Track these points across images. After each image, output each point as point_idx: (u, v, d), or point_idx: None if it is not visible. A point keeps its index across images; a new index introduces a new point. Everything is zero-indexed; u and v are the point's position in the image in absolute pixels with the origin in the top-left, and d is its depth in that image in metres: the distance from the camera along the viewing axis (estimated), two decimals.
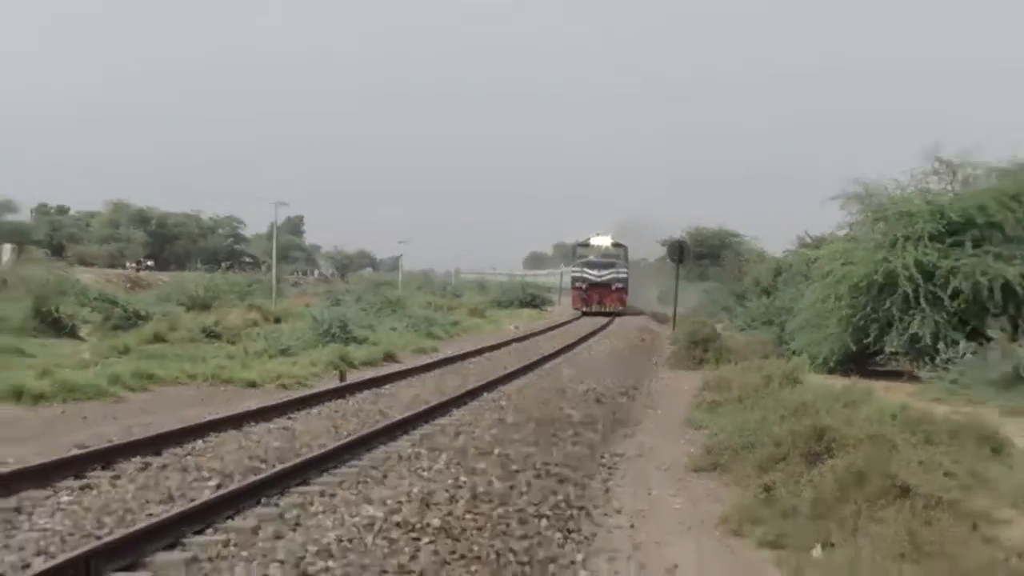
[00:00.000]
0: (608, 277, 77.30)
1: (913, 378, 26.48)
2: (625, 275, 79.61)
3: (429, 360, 31.73)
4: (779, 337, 36.58)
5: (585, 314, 71.81)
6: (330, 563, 8.14)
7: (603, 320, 67.14)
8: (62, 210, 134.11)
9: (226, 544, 9.36)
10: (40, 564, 8.19)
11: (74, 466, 12.10)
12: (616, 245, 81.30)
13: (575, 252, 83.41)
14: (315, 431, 15.75)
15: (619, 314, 71.70)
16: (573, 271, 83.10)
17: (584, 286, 78.22)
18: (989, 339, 25.73)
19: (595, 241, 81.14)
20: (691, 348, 35.75)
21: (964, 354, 25.80)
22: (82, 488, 11.36)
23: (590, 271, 77.90)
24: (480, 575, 8.59)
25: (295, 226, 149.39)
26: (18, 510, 10.26)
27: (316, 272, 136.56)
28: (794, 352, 31.65)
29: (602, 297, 76.30)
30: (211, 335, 34.40)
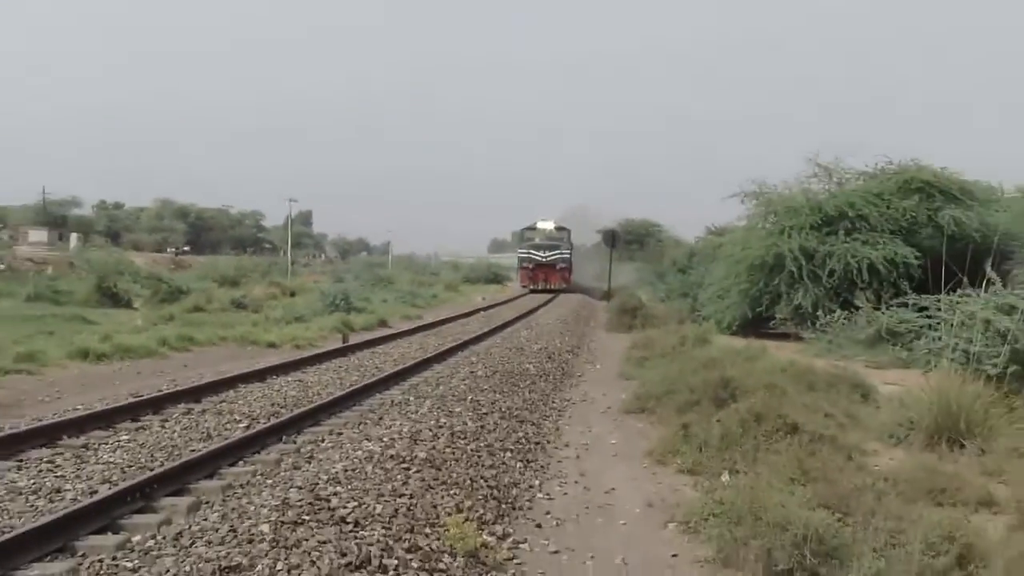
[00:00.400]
0: (553, 258, 71.88)
1: (798, 339, 26.66)
2: (568, 255, 74.05)
3: (414, 325, 31.71)
4: (692, 307, 36.79)
5: (532, 291, 67.22)
6: (338, 488, 8.09)
7: (551, 295, 62.89)
8: (117, 206, 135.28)
9: (254, 474, 9.37)
10: (105, 491, 8.13)
11: (130, 411, 12.05)
12: (559, 229, 75.97)
13: (523, 236, 77.20)
14: (324, 382, 15.73)
15: (564, 291, 67.17)
16: (520, 253, 76.77)
17: (531, 266, 72.70)
18: (857, 308, 25.92)
19: (540, 225, 75.67)
20: (622, 315, 35.84)
21: (838, 320, 26.02)
22: (137, 429, 11.31)
23: (536, 253, 72.65)
24: (458, 497, 8.56)
25: (305, 218, 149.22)
26: (86, 447, 10.21)
27: (323, 256, 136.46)
28: (704, 318, 31.89)
29: (547, 276, 71.02)
30: (239, 306, 34.59)
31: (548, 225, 71.27)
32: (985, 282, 15.84)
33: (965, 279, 17.50)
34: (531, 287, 67.80)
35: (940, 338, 14.95)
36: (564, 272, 69.10)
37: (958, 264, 23.70)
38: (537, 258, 68.61)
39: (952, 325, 14.81)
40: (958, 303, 14.93)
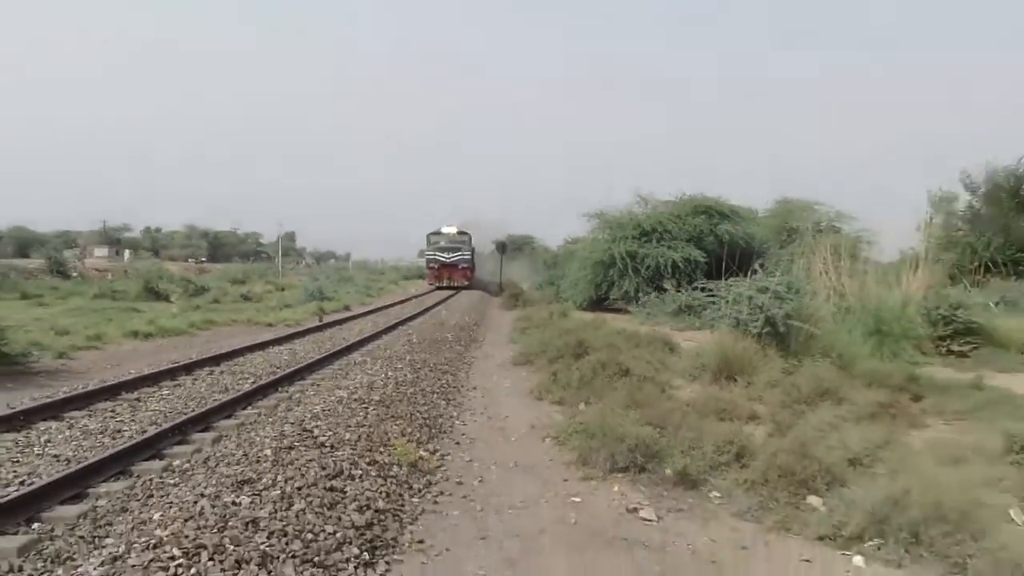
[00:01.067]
0: (455, 258, 60.43)
1: (626, 312, 27.02)
2: (469, 256, 61.81)
3: (368, 309, 31.35)
4: (556, 292, 36.98)
5: (439, 288, 57.28)
6: (318, 423, 7.99)
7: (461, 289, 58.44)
8: (158, 230, 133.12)
9: (259, 415, 9.20)
10: (152, 430, 7.91)
11: (170, 374, 11.72)
12: (461, 233, 63.09)
13: (430, 240, 64.15)
14: (307, 349, 15.44)
15: (468, 287, 57.86)
16: (427, 254, 64.53)
17: (436, 266, 60.92)
18: (665, 290, 26.44)
19: (445, 230, 62.96)
20: (510, 299, 35.90)
21: (652, 299, 26.52)
22: (175, 386, 11.00)
23: (441, 254, 60.91)
24: (402, 426, 8.51)
25: (291, 236, 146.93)
26: (138, 399, 9.89)
27: (304, 262, 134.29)
28: (564, 299, 32.13)
29: (451, 275, 59.99)
30: (245, 298, 33.99)
31: (451, 230, 61.23)
32: (749, 272, 16.27)
33: (737, 271, 18.06)
34: (437, 285, 58.11)
35: (720, 310, 15.30)
36: (466, 271, 59.40)
37: (731, 261, 24.45)
38: (442, 259, 59.33)
39: (727, 301, 15.18)
40: (731, 286, 15.30)
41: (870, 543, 5.58)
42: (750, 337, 13.24)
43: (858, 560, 5.38)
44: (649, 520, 6.04)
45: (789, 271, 17.37)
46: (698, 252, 28.21)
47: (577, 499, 6.52)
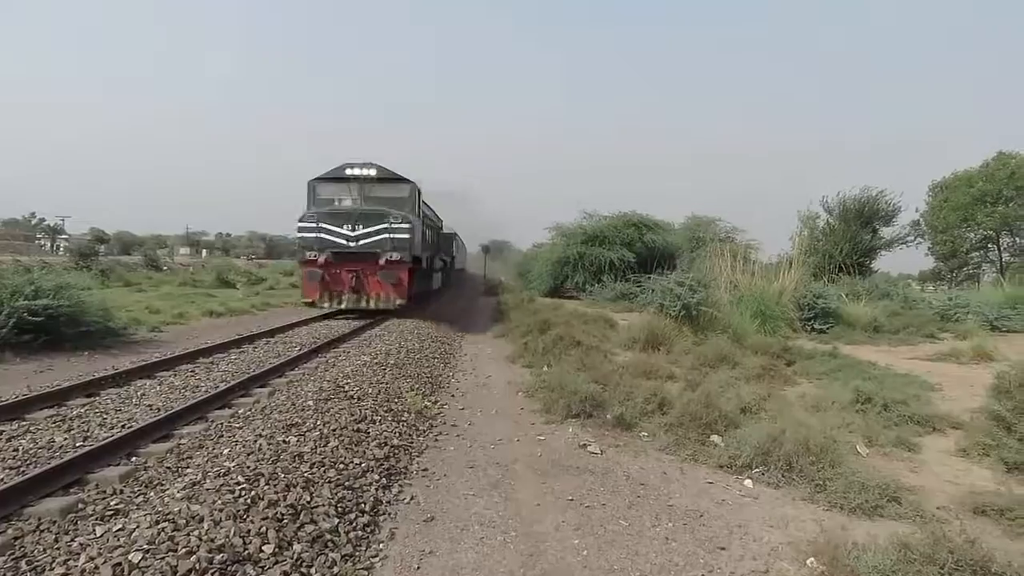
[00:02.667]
0: (369, 243, 14.92)
1: (577, 298, 27.07)
2: (407, 236, 15.14)
3: None
4: (526, 283, 36.94)
5: (326, 314, 16.25)
6: (348, 381, 7.87)
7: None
8: (228, 234, 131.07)
9: (303, 374, 8.97)
10: (223, 386, 7.73)
11: (236, 344, 11.43)
12: (393, 180, 15.98)
13: (314, 195, 15.64)
14: (339, 326, 14.98)
15: (409, 309, 16.51)
16: (303, 230, 15.15)
17: (321, 260, 14.92)
18: (604, 281, 26.52)
19: (351, 172, 15.56)
20: (491, 289, 35.82)
21: (596, 288, 26.57)
22: (240, 352, 10.73)
23: (336, 229, 14.90)
24: (411, 383, 8.43)
25: None
26: (212, 363, 9.64)
27: None
28: (532, 289, 32.11)
29: (361, 282, 15.13)
30: (294, 286, 33.48)
31: (367, 171, 15.74)
32: (667, 270, 16.34)
33: (660, 268, 18.10)
34: (322, 303, 15.58)
35: (647, 297, 15.32)
36: (401, 272, 15.30)
37: (656, 261, 24.45)
38: (338, 241, 15.03)
39: (653, 290, 15.21)
40: (656, 280, 15.33)
41: (756, 470, 5.60)
42: (670, 318, 13.29)
43: (747, 483, 5.40)
44: (595, 453, 6.01)
45: (698, 270, 17.46)
46: (630, 253, 28.33)
47: (542, 438, 6.48)
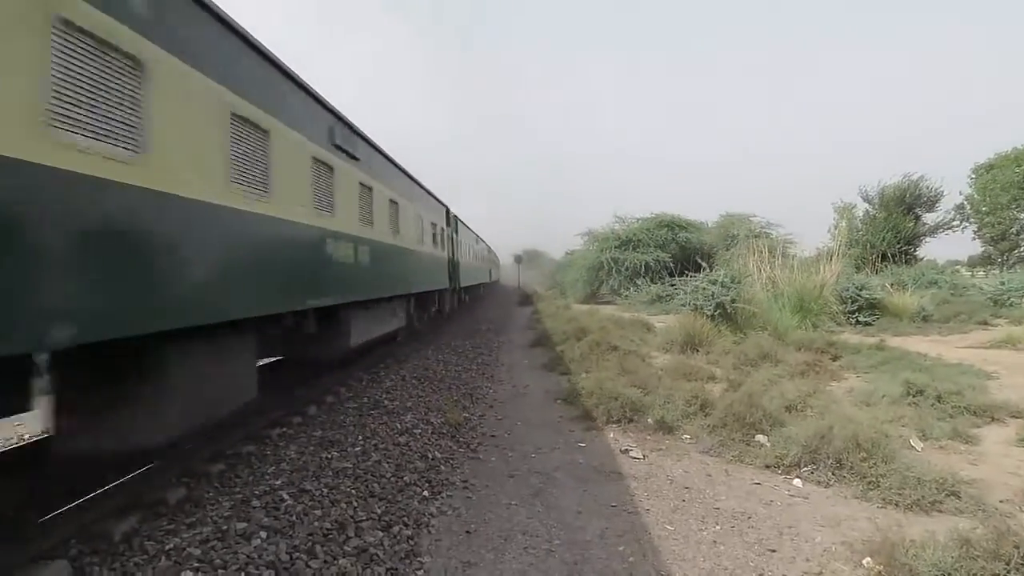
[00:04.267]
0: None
1: (613, 303, 26.91)
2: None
3: None
4: (561, 290, 36.90)
5: None
6: (387, 396, 7.94)
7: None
8: None
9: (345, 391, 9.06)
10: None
11: None
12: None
13: None
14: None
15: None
16: None
17: None
18: (639, 285, 26.31)
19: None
20: (525, 298, 35.86)
21: (632, 292, 26.37)
22: None
23: None
24: (447, 394, 8.46)
25: None
26: None
27: None
28: (566, 296, 32.04)
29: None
30: None
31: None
32: (702, 269, 16.13)
33: (694, 268, 17.91)
34: None
35: (682, 298, 15.15)
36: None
37: (690, 262, 24.21)
38: None
39: (687, 292, 15.04)
40: (690, 280, 15.16)
41: (805, 469, 5.47)
42: (706, 318, 13.11)
43: (796, 482, 5.27)
44: (637, 458, 5.95)
45: (732, 268, 17.19)
46: (664, 255, 28.14)
47: (582, 444, 6.43)
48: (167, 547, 3.71)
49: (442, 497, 5.00)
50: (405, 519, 4.42)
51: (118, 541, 3.86)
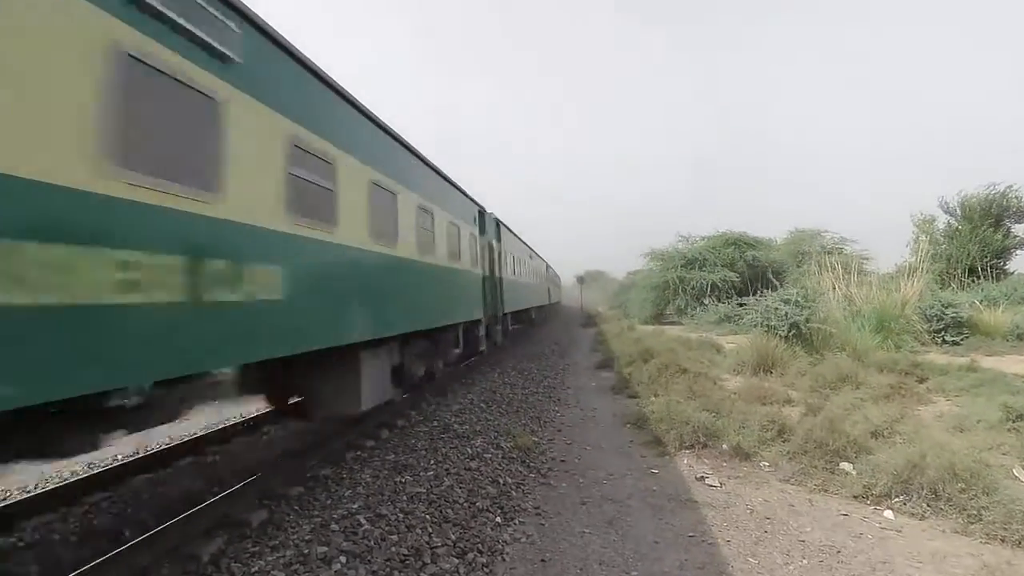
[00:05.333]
0: None
1: (679, 323, 26.37)
2: None
3: None
4: (625, 311, 36.47)
5: None
6: (456, 419, 7.99)
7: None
8: None
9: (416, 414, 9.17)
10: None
11: None
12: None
13: None
14: None
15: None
16: None
17: None
18: (706, 305, 25.70)
19: None
20: (588, 320, 35.59)
21: (699, 312, 25.77)
22: None
23: None
24: (515, 417, 8.44)
25: None
26: None
27: None
28: (630, 317, 31.62)
29: None
30: None
31: None
32: (772, 288, 15.65)
33: (763, 287, 17.35)
34: None
35: (753, 318, 14.68)
36: None
37: (758, 280, 23.52)
38: None
39: (757, 311, 14.60)
40: (760, 300, 14.70)
41: (897, 499, 5.16)
42: (779, 338, 12.65)
43: (888, 514, 4.97)
44: (714, 485, 5.75)
45: (804, 286, 16.57)
46: (732, 274, 27.50)
47: (655, 471, 6.28)
48: (252, 570, 3.82)
49: (515, 524, 4.96)
50: (479, 546, 4.40)
51: (206, 562, 4.01)
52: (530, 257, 21.86)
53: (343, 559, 3.93)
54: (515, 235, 17.99)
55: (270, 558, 3.98)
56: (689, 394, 8.98)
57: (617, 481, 6.01)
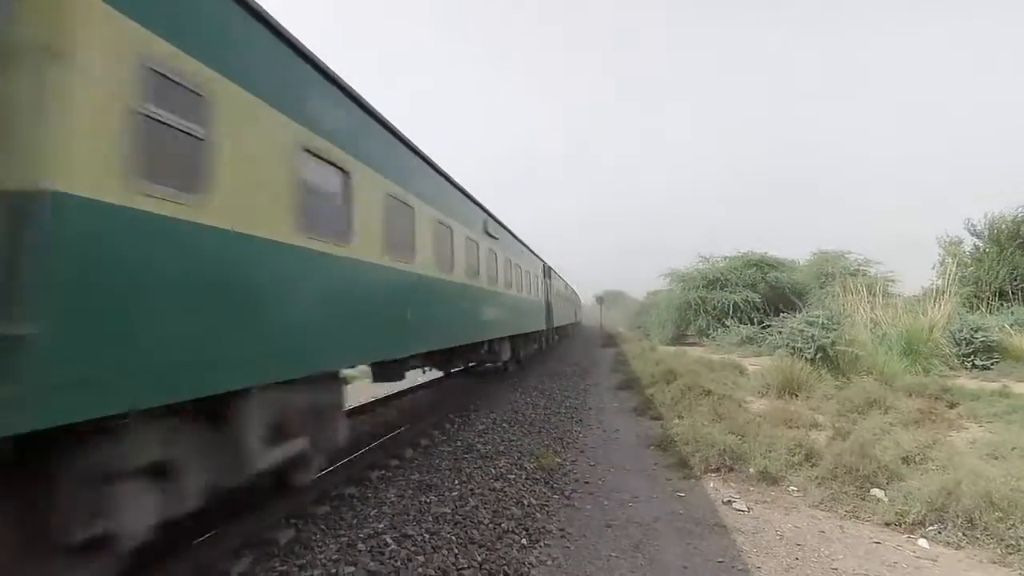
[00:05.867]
0: None
1: (701, 344, 26.10)
2: None
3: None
4: (645, 332, 36.21)
5: None
6: (480, 439, 7.96)
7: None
8: None
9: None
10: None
11: None
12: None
13: None
14: (460, 385, 15.33)
15: None
16: None
17: None
18: (728, 326, 25.43)
19: None
20: (608, 340, 35.35)
21: (720, 333, 25.50)
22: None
23: None
24: (538, 438, 8.39)
25: None
26: None
27: None
28: (650, 337, 31.39)
29: None
30: None
31: None
32: (797, 310, 15.47)
33: (785, 309, 17.13)
34: None
35: (777, 340, 14.50)
36: None
37: (780, 301, 23.28)
38: None
39: (780, 332, 14.43)
40: (785, 321, 14.53)
41: (931, 528, 5.03)
42: (805, 360, 12.47)
43: (922, 542, 4.85)
44: (741, 510, 5.65)
45: (829, 308, 16.35)
46: (754, 295, 27.24)
47: (681, 494, 6.19)
48: None
49: (540, 546, 4.91)
50: (506, 568, 4.37)
51: None
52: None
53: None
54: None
55: None
56: (713, 416, 8.87)
57: (642, 504, 5.94)
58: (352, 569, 4.02)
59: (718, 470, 6.76)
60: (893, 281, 25.16)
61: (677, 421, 9.24)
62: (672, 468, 7.13)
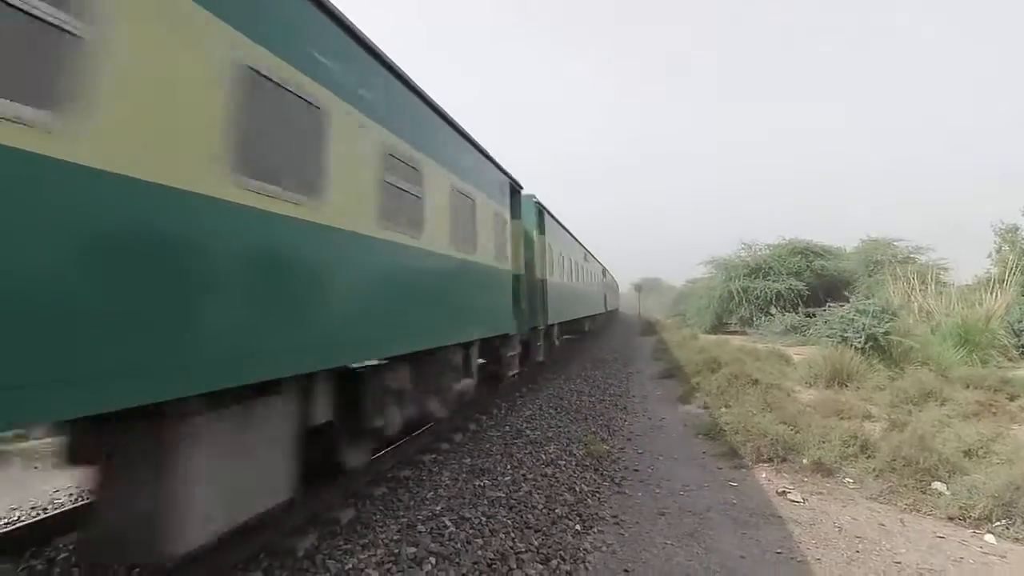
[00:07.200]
0: None
1: (743, 334, 25.66)
2: None
3: None
4: (684, 320, 35.76)
5: None
6: (528, 424, 8.00)
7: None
8: None
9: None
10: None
11: None
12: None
13: None
14: None
15: None
16: None
17: None
18: (772, 315, 24.92)
19: None
20: (647, 328, 35.01)
21: (764, 322, 25.03)
22: None
23: None
24: (585, 425, 8.38)
25: None
26: None
27: None
28: (690, 326, 30.98)
29: None
30: None
31: None
32: (845, 299, 15.06)
33: (832, 297, 16.71)
34: None
35: (825, 329, 14.14)
36: None
37: (826, 290, 22.72)
38: None
39: (826, 321, 14.08)
40: (833, 310, 14.16)
41: (998, 523, 4.86)
42: (855, 350, 12.14)
43: (990, 538, 4.69)
44: (797, 501, 5.55)
45: (879, 296, 15.86)
46: (799, 283, 26.57)
47: (733, 484, 6.11)
48: (347, 567, 3.91)
49: (594, 532, 4.91)
50: (562, 553, 4.38)
51: (301, 557, 4.13)
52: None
53: (432, 560, 3.98)
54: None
55: (362, 556, 4.07)
56: (762, 406, 8.72)
57: (694, 492, 5.89)
58: (414, 550, 4.09)
59: (770, 460, 6.65)
60: (945, 269, 24.26)
61: (724, 410, 9.12)
62: (722, 457, 7.04)
